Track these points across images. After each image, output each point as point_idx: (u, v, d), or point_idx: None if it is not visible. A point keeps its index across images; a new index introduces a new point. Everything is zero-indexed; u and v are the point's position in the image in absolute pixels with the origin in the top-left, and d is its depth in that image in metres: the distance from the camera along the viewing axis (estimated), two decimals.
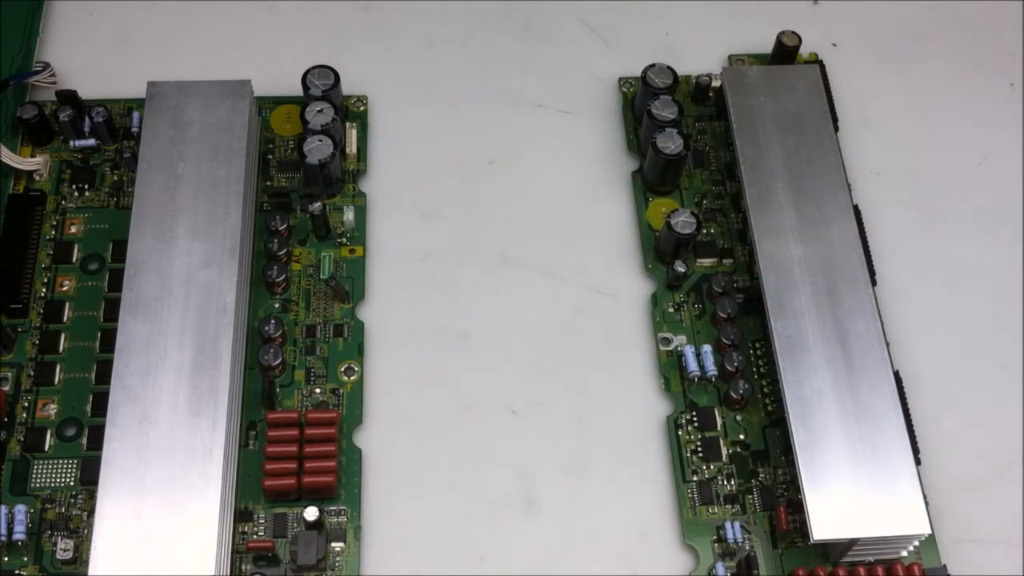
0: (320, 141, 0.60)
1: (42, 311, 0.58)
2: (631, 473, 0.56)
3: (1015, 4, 0.70)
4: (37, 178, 0.62)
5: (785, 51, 0.65)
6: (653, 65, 0.63)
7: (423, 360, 0.59)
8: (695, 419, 0.56)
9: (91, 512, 0.52)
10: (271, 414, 0.54)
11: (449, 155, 0.64)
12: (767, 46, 0.67)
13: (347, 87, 0.64)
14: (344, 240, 0.60)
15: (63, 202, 0.61)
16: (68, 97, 0.62)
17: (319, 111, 0.61)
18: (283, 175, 0.63)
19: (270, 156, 0.63)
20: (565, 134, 0.66)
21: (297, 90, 0.63)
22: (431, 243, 0.62)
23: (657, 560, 0.54)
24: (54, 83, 0.64)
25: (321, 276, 0.59)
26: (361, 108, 0.65)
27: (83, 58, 0.67)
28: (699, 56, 0.68)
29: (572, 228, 0.63)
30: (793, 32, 0.65)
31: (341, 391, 0.57)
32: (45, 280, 0.59)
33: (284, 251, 0.59)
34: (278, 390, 0.56)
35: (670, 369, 0.58)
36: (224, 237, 0.56)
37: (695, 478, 0.55)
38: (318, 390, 0.57)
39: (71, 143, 0.62)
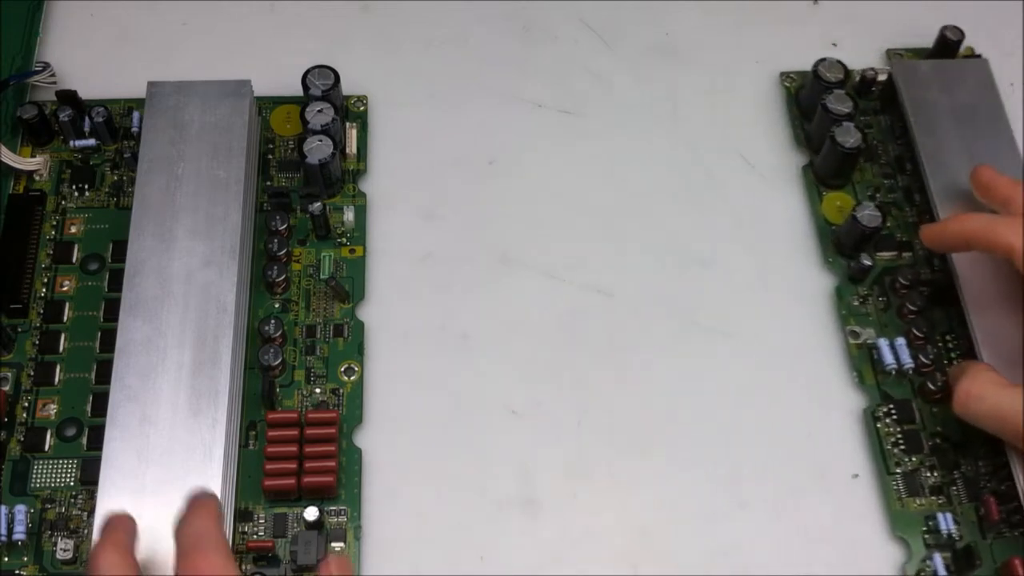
0: (320, 141, 0.60)
1: (42, 311, 0.58)
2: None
3: (1015, 4, 0.70)
4: (37, 178, 0.62)
5: (948, 45, 0.65)
6: (824, 59, 0.63)
7: (423, 360, 0.59)
8: (893, 412, 0.57)
9: (91, 512, 0.52)
10: (271, 414, 0.54)
11: (449, 155, 0.64)
12: (768, 46, 0.67)
13: (347, 87, 0.64)
14: (344, 240, 0.60)
15: (63, 202, 0.61)
16: (68, 97, 0.62)
17: (319, 111, 0.61)
18: (283, 175, 0.63)
19: (270, 156, 0.63)
20: (565, 134, 0.65)
21: (297, 90, 0.63)
22: (431, 243, 0.62)
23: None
24: (54, 83, 0.64)
25: (321, 276, 0.59)
26: (361, 108, 0.65)
27: (83, 58, 0.67)
28: (700, 56, 0.68)
29: (571, 228, 0.63)
30: (956, 27, 0.65)
31: (341, 391, 0.57)
32: (45, 280, 0.59)
33: (284, 251, 0.59)
34: (278, 390, 0.56)
35: (862, 362, 0.58)
36: (224, 237, 0.56)
37: (899, 470, 0.55)
38: (318, 390, 0.56)
39: (71, 143, 0.62)
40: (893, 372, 0.57)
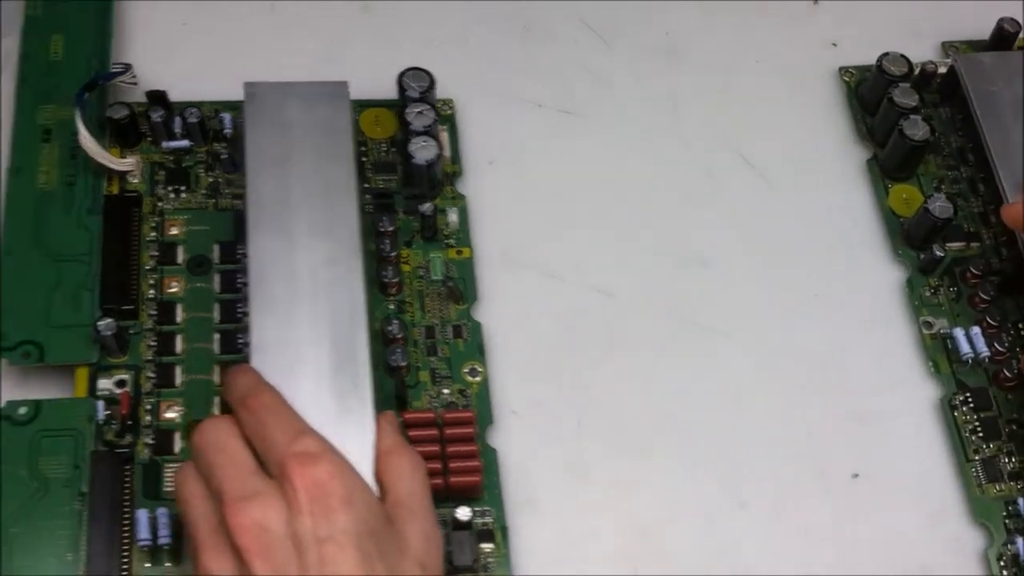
0: (425, 142, 0.60)
1: (153, 312, 0.56)
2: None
3: (1015, 4, 0.70)
4: (131, 179, 0.60)
5: (1005, 37, 0.66)
6: (887, 54, 0.64)
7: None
8: (970, 400, 0.57)
9: None
10: (407, 414, 0.53)
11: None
12: (768, 45, 0.68)
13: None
14: (452, 241, 0.60)
15: (159, 203, 0.59)
16: (158, 97, 0.61)
17: (419, 112, 0.61)
18: (379, 177, 0.62)
19: (364, 158, 0.62)
20: (565, 134, 0.66)
21: (374, 94, 0.63)
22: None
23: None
24: (135, 83, 0.62)
25: (433, 277, 0.59)
26: (448, 111, 0.64)
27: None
28: (702, 56, 0.69)
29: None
30: (1013, 19, 0.66)
31: (468, 391, 0.56)
32: (151, 282, 0.57)
33: (395, 252, 0.58)
34: (408, 390, 0.55)
35: (936, 352, 0.59)
36: (345, 236, 0.55)
37: (977, 457, 0.56)
38: (446, 390, 0.56)
39: (162, 144, 0.61)
40: (969, 361, 0.58)
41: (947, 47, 0.69)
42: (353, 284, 0.54)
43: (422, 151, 0.59)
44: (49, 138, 0.60)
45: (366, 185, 0.61)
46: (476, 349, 0.57)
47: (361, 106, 0.64)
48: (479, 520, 0.53)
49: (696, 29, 0.70)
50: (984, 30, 0.69)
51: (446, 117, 0.64)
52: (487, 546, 0.52)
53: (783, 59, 0.69)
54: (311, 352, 0.52)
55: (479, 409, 0.56)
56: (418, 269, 0.59)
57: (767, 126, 0.67)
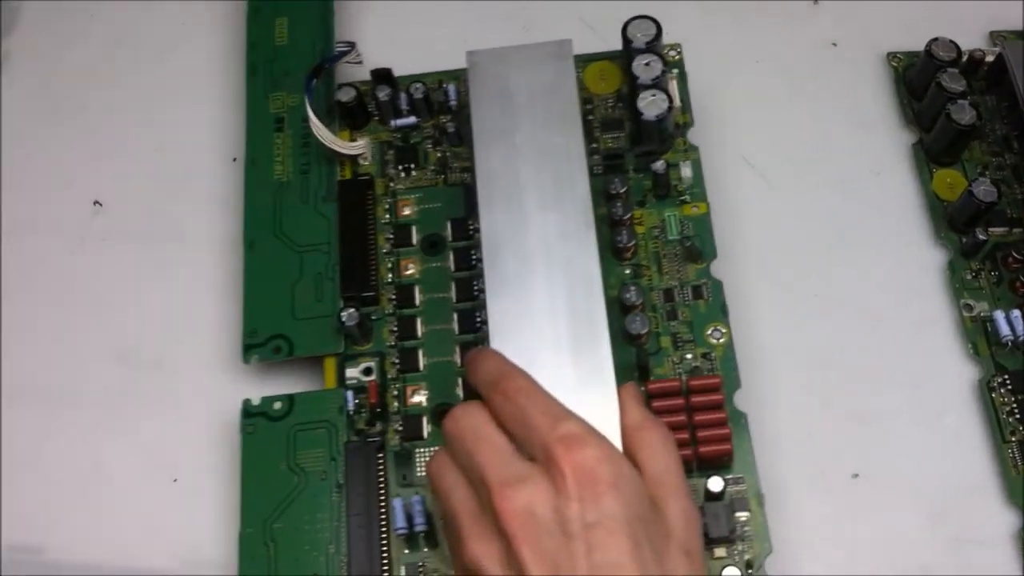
0: (654, 96, 0.58)
1: (393, 297, 0.56)
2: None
3: (1015, 4, 0.66)
4: (362, 162, 0.60)
5: None
6: (936, 39, 0.62)
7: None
8: (1008, 382, 0.55)
9: None
10: (651, 384, 0.52)
11: None
12: (767, 46, 0.66)
13: None
14: (687, 197, 0.58)
15: (391, 184, 0.60)
16: (383, 75, 0.61)
17: (646, 64, 0.59)
18: (608, 135, 0.60)
19: (591, 116, 0.61)
20: None
21: (596, 47, 0.61)
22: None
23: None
24: (360, 62, 0.63)
25: (669, 237, 0.57)
26: (676, 57, 0.62)
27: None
28: (702, 57, 0.65)
29: None
30: None
31: (713, 355, 0.54)
32: (389, 265, 0.57)
33: (628, 215, 0.57)
34: (649, 358, 0.54)
35: (976, 334, 0.57)
36: (575, 206, 0.54)
37: (1014, 438, 0.54)
38: (688, 355, 0.54)
39: (391, 123, 0.61)
40: (1009, 344, 0.56)
41: (995, 36, 0.65)
42: (587, 255, 0.53)
43: (651, 107, 0.58)
44: (282, 127, 0.61)
45: (594, 145, 0.60)
46: (718, 309, 0.56)
47: (585, 61, 0.62)
48: (732, 488, 0.51)
49: (696, 29, 0.66)
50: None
51: (674, 63, 0.62)
52: (742, 515, 0.51)
53: (783, 59, 0.66)
54: (549, 329, 0.51)
55: (725, 372, 0.54)
56: (653, 230, 0.58)
57: (781, 124, 0.64)
